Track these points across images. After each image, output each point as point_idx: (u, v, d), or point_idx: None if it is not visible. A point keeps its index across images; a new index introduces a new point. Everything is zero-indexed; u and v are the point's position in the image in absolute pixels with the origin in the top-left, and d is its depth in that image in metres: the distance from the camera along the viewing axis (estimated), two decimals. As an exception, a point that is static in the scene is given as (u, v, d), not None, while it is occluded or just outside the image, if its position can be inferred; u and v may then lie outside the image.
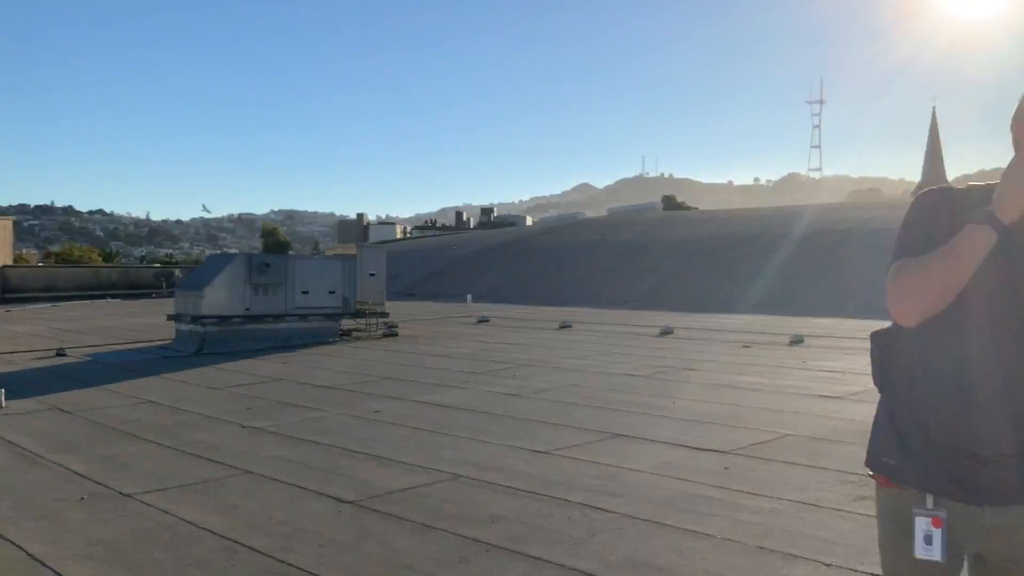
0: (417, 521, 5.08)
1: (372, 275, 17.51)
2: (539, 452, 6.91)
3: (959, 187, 2.06)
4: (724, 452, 6.78)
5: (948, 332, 1.91)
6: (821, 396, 9.49)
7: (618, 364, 12.45)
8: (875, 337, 2.11)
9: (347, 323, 17.51)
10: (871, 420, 2.13)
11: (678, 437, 7.36)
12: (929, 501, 1.95)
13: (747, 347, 14.83)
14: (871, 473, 2.10)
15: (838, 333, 17.24)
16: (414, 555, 4.52)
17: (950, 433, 1.92)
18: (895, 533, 2.04)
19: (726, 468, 6.31)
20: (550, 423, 8.14)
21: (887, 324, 2.06)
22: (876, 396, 2.14)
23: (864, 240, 30.14)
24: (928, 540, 1.92)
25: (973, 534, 1.97)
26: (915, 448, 1.97)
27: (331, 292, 16.41)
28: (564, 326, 18.63)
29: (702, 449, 6.90)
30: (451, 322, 21.48)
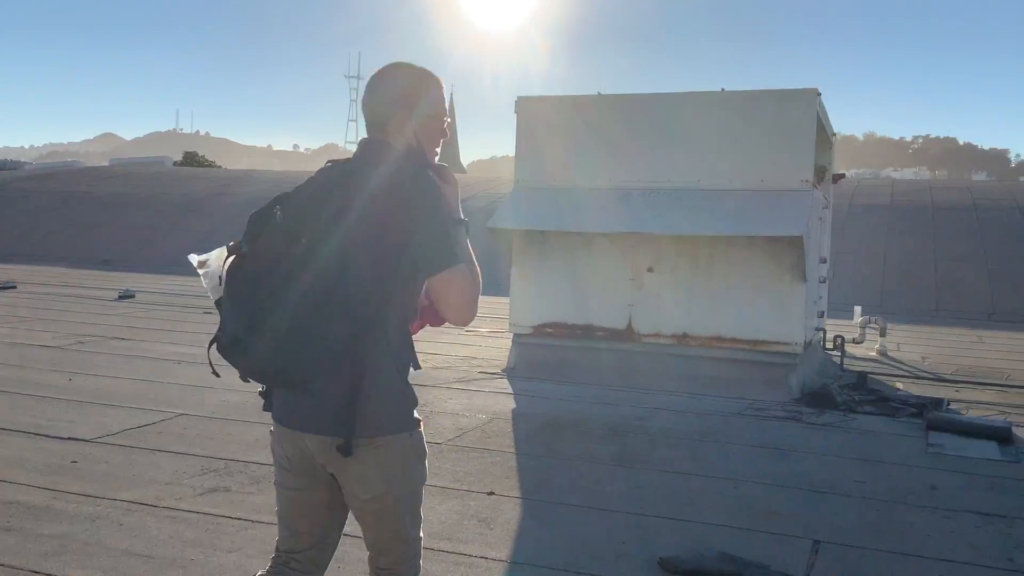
0: None
1: None
2: None
3: None
4: (85, 440, 5.68)
5: None
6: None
7: (41, 333, 10.55)
8: None
9: None
10: None
11: (43, 424, 6.06)
12: None
13: (209, 313, 13.77)
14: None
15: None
16: None
17: None
18: None
19: (74, 462, 5.21)
20: None
21: None
22: None
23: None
24: None
25: None
26: None
27: None
28: (7, 287, 15.71)
29: (60, 438, 5.71)
30: None
